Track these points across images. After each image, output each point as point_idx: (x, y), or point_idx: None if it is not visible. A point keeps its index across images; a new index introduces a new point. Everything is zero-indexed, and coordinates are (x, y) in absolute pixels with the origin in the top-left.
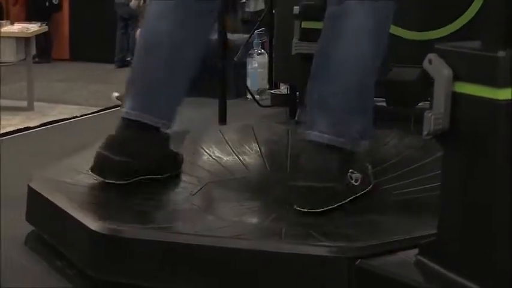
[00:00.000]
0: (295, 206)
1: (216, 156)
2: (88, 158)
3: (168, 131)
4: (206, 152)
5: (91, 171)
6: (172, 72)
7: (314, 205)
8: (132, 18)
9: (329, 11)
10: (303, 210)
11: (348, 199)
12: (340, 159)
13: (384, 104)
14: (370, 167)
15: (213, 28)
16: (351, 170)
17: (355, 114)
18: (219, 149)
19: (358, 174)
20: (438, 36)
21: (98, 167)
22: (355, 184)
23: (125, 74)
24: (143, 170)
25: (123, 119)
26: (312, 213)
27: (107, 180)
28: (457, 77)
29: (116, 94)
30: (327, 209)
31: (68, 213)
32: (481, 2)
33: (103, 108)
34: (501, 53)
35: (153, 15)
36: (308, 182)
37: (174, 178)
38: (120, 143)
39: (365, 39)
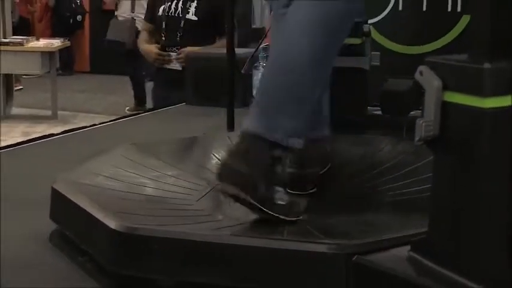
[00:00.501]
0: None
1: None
2: (106, 162)
3: None
4: (215, 156)
5: None
6: None
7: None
8: None
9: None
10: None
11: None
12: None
13: (380, 112)
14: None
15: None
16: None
17: (281, 113)
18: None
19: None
20: (429, 50)
21: None
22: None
23: None
24: None
25: None
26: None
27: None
28: (446, 87)
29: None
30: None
31: (88, 213)
32: (467, 19)
33: (120, 117)
34: (487, 65)
35: None
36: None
37: (186, 181)
38: None
39: (299, 39)
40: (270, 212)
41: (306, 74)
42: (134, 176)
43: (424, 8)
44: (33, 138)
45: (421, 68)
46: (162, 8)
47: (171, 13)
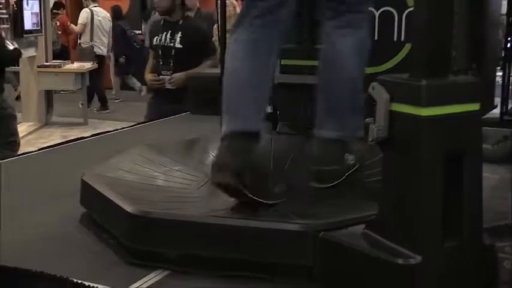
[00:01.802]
0: (311, 183)
1: None
2: (125, 159)
3: None
4: (212, 154)
5: None
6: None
7: (324, 182)
8: None
9: (324, 49)
10: (317, 186)
11: (345, 175)
12: (341, 148)
13: None
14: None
15: None
16: (346, 154)
17: (351, 115)
18: None
19: (351, 156)
20: (380, 71)
21: None
22: (350, 163)
23: None
24: None
25: None
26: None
27: None
28: (392, 99)
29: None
30: (333, 184)
31: (110, 199)
32: (409, 46)
33: (139, 122)
34: (423, 82)
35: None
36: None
37: (189, 174)
38: None
39: (352, 62)
40: (254, 197)
41: (359, 84)
42: (147, 170)
43: (376, 37)
44: (68, 140)
45: (373, 84)
46: (156, 38)
47: (163, 43)
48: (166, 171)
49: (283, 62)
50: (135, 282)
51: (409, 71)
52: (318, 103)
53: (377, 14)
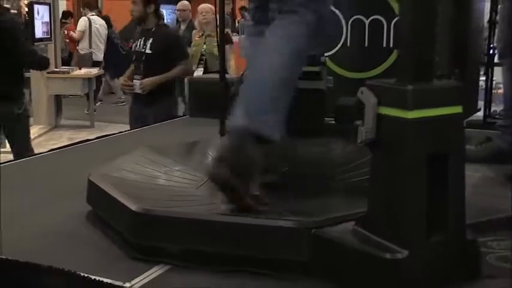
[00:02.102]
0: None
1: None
2: (128, 160)
3: None
4: (210, 155)
5: None
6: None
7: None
8: None
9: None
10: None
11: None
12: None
13: (334, 122)
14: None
15: None
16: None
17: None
18: None
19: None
20: (369, 76)
21: None
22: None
23: None
24: None
25: None
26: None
27: None
28: (380, 103)
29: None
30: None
31: (114, 198)
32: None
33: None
34: (409, 87)
35: None
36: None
37: (188, 174)
38: None
39: (272, 54)
40: (246, 201)
41: (279, 80)
42: (149, 170)
43: (366, 44)
44: (75, 143)
45: (362, 88)
46: (134, 44)
47: (137, 48)
48: (167, 171)
49: None
50: (139, 276)
51: (396, 76)
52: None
53: (367, 22)
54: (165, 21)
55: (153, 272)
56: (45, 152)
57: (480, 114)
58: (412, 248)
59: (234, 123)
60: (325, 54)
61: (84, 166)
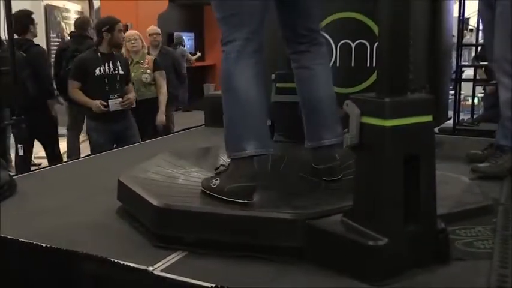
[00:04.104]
0: (323, 178)
1: (227, 160)
2: (152, 163)
3: None
4: (222, 158)
5: None
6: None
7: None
8: None
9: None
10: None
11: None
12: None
13: None
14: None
15: None
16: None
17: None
18: None
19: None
20: (355, 91)
21: None
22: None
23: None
24: None
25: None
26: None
27: None
28: (362, 113)
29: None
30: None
31: (140, 195)
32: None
33: (164, 134)
34: (386, 99)
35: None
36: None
37: (204, 175)
38: None
39: (328, 84)
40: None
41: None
42: (170, 172)
43: (352, 64)
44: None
45: (347, 101)
46: (98, 69)
47: (108, 72)
48: (185, 172)
49: (278, 85)
50: (160, 261)
51: (375, 90)
52: (309, 120)
53: (353, 45)
54: (185, 46)
55: (173, 258)
56: (83, 157)
57: (450, 122)
58: (391, 236)
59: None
60: None
61: (115, 169)
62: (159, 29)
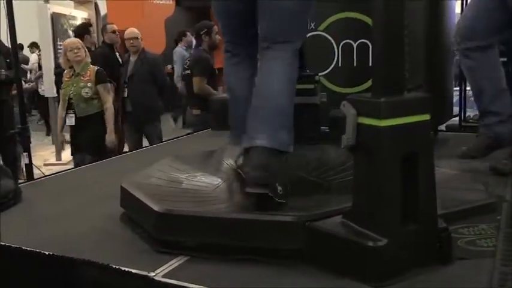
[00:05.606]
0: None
1: (230, 163)
2: (156, 168)
3: None
4: (226, 162)
5: None
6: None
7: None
8: None
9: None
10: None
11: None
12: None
13: (327, 130)
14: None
15: None
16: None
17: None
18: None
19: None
20: (356, 91)
21: None
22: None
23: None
24: None
25: None
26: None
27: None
28: (359, 114)
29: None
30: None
31: (143, 202)
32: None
33: (167, 140)
34: (382, 99)
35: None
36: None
37: (207, 178)
38: None
39: (276, 79)
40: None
41: (283, 101)
42: (173, 177)
43: (355, 64)
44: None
45: (343, 102)
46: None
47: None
48: (189, 176)
49: None
50: (162, 266)
51: (372, 91)
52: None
53: (355, 45)
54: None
55: (174, 263)
56: (87, 165)
57: (457, 119)
58: (391, 236)
59: (252, 143)
60: (320, 73)
61: (119, 175)
62: (137, 33)
